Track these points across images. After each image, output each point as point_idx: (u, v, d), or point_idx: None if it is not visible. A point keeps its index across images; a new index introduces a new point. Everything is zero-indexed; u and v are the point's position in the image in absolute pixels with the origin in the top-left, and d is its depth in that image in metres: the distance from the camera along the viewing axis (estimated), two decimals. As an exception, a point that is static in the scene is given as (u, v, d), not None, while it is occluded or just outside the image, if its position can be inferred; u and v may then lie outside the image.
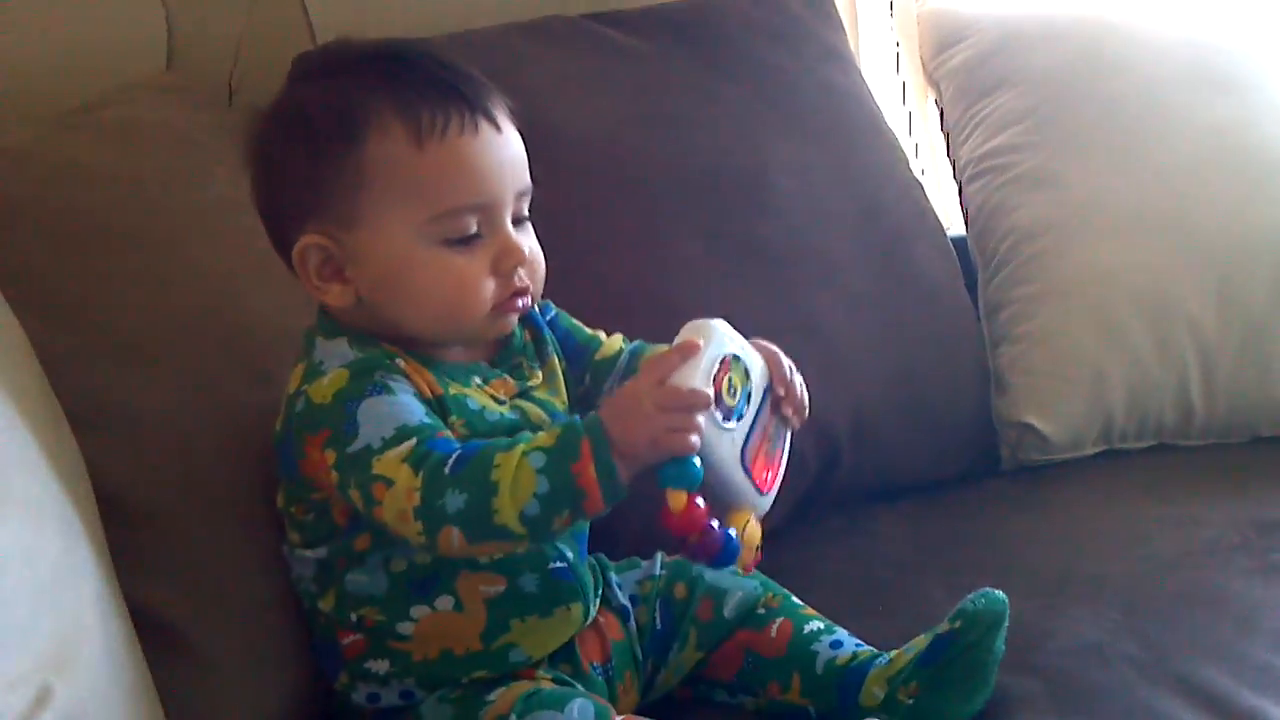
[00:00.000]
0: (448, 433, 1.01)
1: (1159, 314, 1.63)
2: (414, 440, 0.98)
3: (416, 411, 1.01)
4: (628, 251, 1.48)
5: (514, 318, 1.10)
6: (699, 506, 0.98)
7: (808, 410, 1.12)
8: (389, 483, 0.97)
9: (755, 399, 1.05)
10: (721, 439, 1.00)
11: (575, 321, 1.21)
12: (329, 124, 1.04)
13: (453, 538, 0.97)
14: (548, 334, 1.17)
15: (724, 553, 1.00)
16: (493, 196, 1.05)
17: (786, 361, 1.11)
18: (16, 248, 1.16)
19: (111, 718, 0.86)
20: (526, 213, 1.09)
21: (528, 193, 1.09)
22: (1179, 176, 1.69)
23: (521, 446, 0.97)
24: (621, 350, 1.21)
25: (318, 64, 1.11)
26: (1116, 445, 1.64)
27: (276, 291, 1.23)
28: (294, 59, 1.46)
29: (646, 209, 1.52)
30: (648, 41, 1.64)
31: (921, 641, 1.12)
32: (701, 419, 0.97)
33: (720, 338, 1.03)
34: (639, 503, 1.31)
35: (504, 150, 1.07)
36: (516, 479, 0.96)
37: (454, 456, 0.97)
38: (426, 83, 1.05)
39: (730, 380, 1.02)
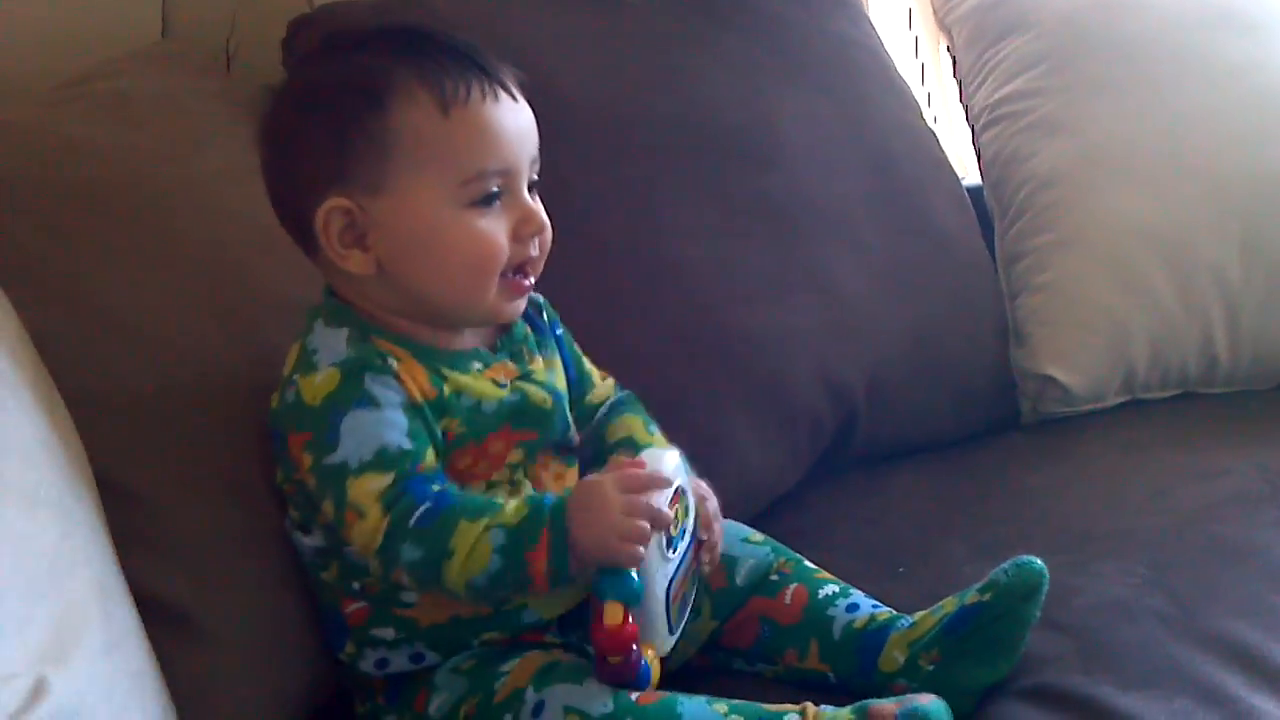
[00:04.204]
0: (428, 462, 1.03)
1: (1180, 261, 1.61)
2: (393, 475, 1.01)
3: (398, 430, 1.03)
4: (629, 212, 1.45)
5: (521, 303, 1.12)
6: (632, 626, 0.99)
7: (718, 561, 1.15)
8: (361, 514, 1.01)
9: (687, 539, 1.07)
10: (660, 569, 1.03)
11: (578, 350, 1.23)
12: (352, 95, 1.06)
13: (403, 579, 1.02)
14: (550, 338, 1.19)
15: (636, 680, 1.01)
16: (514, 161, 1.07)
17: (714, 507, 1.13)
18: (7, 225, 1.13)
19: (112, 708, 0.84)
20: (536, 178, 1.11)
21: (537, 161, 1.11)
22: (1198, 120, 1.67)
23: (486, 520, 1.00)
24: (607, 399, 1.23)
25: (326, 44, 1.13)
26: (1139, 395, 1.62)
27: (277, 265, 1.21)
28: (289, 39, 1.46)
29: (648, 167, 1.49)
30: (647, -7, 1.61)
31: (949, 605, 1.10)
32: (652, 542, 1.01)
33: (678, 469, 1.06)
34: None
35: (520, 116, 1.09)
36: (473, 553, 0.99)
37: (422, 509, 1.00)
38: (445, 54, 1.07)
39: (676, 512, 1.04)
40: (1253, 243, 1.61)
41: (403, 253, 1.07)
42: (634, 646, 0.99)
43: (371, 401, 1.03)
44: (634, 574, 0.99)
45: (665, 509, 1.01)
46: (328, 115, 1.06)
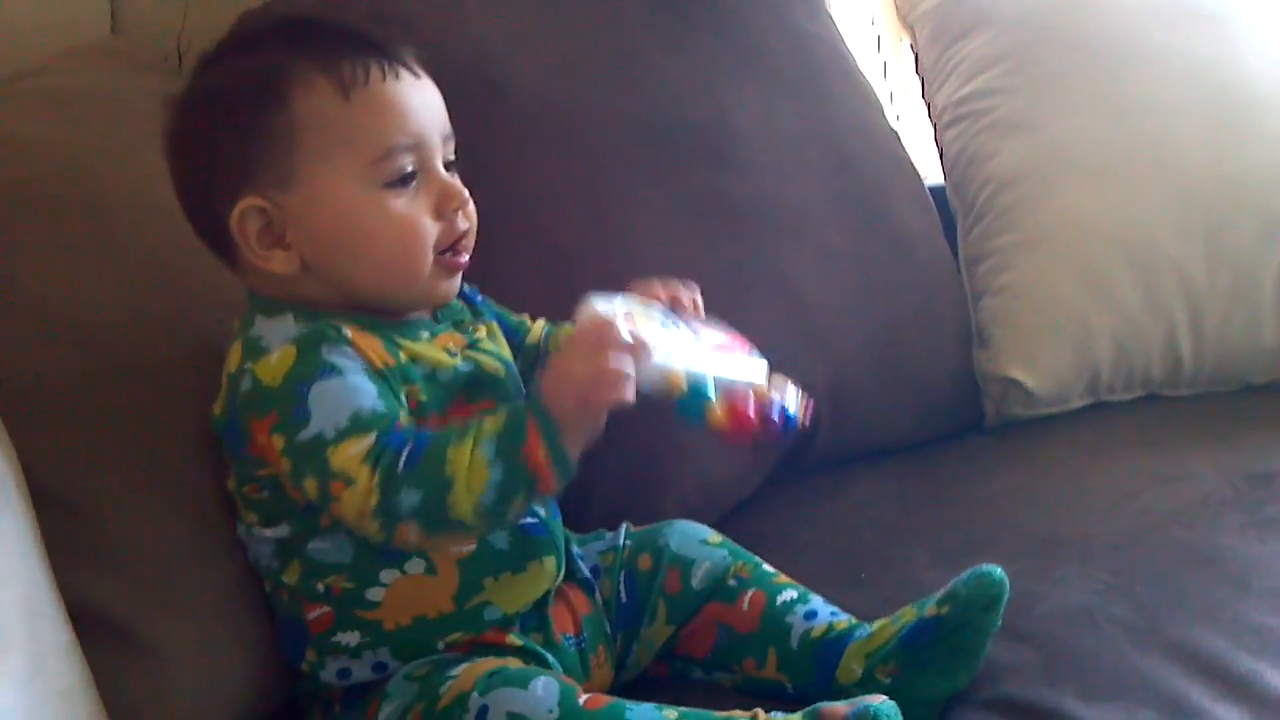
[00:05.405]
0: (403, 416, 1.02)
1: (1144, 261, 1.59)
2: (374, 435, 0.99)
3: (369, 394, 1.01)
4: (580, 210, 1.42)
5: (457, 279, 1.11)
6: (739, 403, 0.99)
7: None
8: (349, 481, 0.98)
9: (675, 318, 1.08)
10: (687, 350, 1.02)
11: (502, 307, 1.22)
12: (250, 93, 1.05)
13: (409, 533, 0.99)
14: (481, 304, 1.19)
15: (788, 426, 1.01)
16: (423, 134, 1.07)
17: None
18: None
19: (39, 731, 0.82)
20: (453, 157, 1.10)
21: (451, 137, 1.10)
22: (1160, 118, 1.65)
23: (472, 437, 0.98)
24: (544, 333, 1.23)
25: (219, 48, 1.11)
26: (1103, 398, 1.61)
27: (216, 267, 1.18)
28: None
29: (600, 164, 1.46)
30: (601, -17, 1.59)
31: (908, 616, 1.09)
32: (653, 340, 0.99)
33: (610, 301, 1.04)
34: (607, 477, 1.29)
35: (425, 92, 1.09)
36: (471, 473, 0.97)
37: (405, 453, 0.98)
38: (340, 38, 1.07)
39: (639, 319, 1.03)
40: (1217, 242, 1.59)
41: (324, 245, 1.05)
42: (752, 416, 0.99)
43: (335, 370, 1.01)
44: (684, 382, 0.99)
45: (623, 335, 0.98)
46: (229, 117, 1.05)
